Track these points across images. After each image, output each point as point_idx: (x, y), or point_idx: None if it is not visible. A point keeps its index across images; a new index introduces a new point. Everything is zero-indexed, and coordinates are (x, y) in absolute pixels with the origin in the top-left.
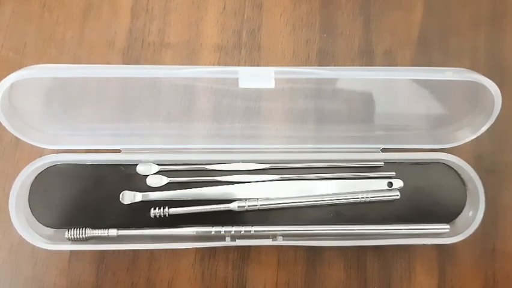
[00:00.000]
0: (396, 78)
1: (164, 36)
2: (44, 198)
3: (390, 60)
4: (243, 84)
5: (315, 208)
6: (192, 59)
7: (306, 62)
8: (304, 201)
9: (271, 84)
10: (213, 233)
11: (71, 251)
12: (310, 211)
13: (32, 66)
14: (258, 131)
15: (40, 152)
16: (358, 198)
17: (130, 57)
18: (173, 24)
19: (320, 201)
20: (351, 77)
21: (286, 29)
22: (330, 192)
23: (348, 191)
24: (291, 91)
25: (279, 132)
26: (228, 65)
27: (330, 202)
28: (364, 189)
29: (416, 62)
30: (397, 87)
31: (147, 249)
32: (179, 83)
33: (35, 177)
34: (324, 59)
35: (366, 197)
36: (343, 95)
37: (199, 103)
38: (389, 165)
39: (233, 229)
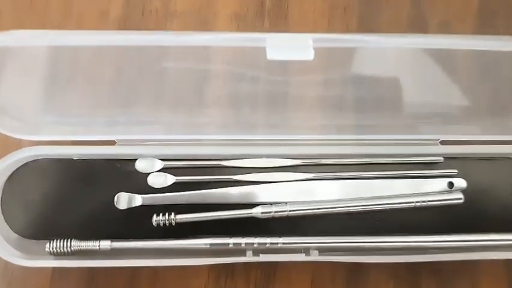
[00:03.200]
0: (463, 48)
1: (170, 3)
2: (20, 202)
3: (447, 33)
4: (272, 55)
5: (358, 215)
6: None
7: None
8: (344, 207)
9: (309, 55)
10: (230, 245)
11: (53, 268)
12: (352, 219)
13: (5, 32)
14: (286, 119)
15: (17, 144)
16: (411, 203)
17: (127, 29)
18: None
19: (363, 206)
20: (411, 45)
21: None
22: (375, 195)
23: (399, 193)
24: (329, 68)
25: (313, 121)
26: None
27: (376, 208)
28: (419, 192)
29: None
30: (459, 62)
31: (149, 266)
32: (189, 56)
33: (10, 176)
34: (365, 30)
35: (422, 202)
36: (391, 74)
37: (214, 83)
38: (450, 161)
39: (256, 241)
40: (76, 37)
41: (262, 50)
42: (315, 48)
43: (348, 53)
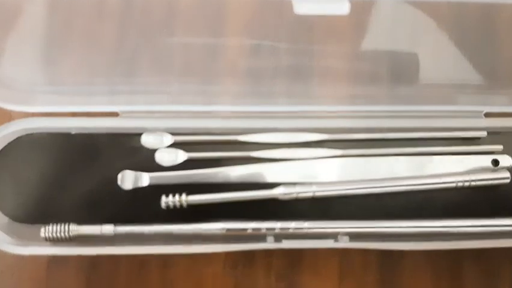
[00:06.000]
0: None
1: None
2: (11, 181)
3: None
4: (299, 8)
5: (392, 196)
6: None
7: None
8: (376, 187)
9: (344, 9)
10: (249, 230)
11: (50, 257)
12: (385, 201)
13: None
14: (310, 88)
15: (7, 116)
16: (452, 182)
17: None
18: None
19: (397, 187)
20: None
21: None
22: (411, 175)
23: (437, 172)
24: (363, 29)
25: (341, 90)
26: None
27: (412, 188)
28: (459, 170)
29: None
30: (504, 23)
31: (157, 254)
32: (202, 14)
33: (0, 151)
34: None
35: (464, 181)
36: (430, 38)
37: (230, 46)
38: (494, 136)
39: (278, 225)
40: None
41: (288, 4)
42: (351, 1)
43: (385, 13)
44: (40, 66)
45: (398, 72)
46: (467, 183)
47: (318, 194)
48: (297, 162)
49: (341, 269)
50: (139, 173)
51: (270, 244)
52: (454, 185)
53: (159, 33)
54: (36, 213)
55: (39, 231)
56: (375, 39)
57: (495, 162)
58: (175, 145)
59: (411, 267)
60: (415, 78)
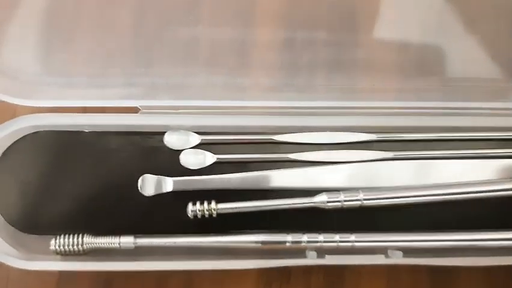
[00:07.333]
0: None
1: None
2: (17, 187)
3: None
4: None
5: (451, 205)
6: None
7: None
8: (432, 195)
9: None
10: (288, 244)
11: (60, 272)
12: (443, 211)
13: None
14: (354, 80)
15: (11, 112)
16: None
17: None
18: None
19: (455, 194)
20: None
21: None
22: (469, 180)
23: (499, 177)
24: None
25: (389, 83)
26: None
27: (472, 196)
28: None
29: None
30: None
31: (182, 270)
32: None
33: (3, 153)
34: None
35: None
36: (484, 23)
37: (262, 34)
38: None
39: (321, 238)
40: None
41: None
42: None
43: None
44: (48, 54)
45: (453, 64)
46: None
47: (366, 202)
48: (341, 165)
49: (387, 287)
50: (161, 177)
51: (312, 260)
52: None
53: (183, 17)
54: (45, 222)
55: (48, 243)
56: (424, 24)
57: None
58: (202, 146)
59: (467, 284)
60: (471, 71)
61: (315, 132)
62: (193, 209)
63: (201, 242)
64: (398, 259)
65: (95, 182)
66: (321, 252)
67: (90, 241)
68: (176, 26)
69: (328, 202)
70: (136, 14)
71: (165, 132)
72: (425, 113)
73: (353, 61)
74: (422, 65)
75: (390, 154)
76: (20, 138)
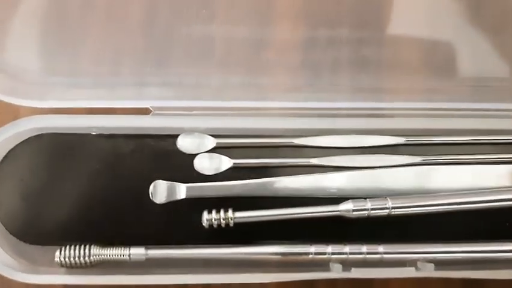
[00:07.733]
0: None
1: None
2: (19, 194)
3: None
4: None
5: (485, 214)
6: None
7: None
8: (466, 202)
9: None
10: (311, 255)
11: (66, 286)
12: (478, 219)
13: None
14: (380, 80)
15: (14, 113)
16: None
17: None
18: None
19: (491, 202)
20: None
21: None
22: (507, 186)
23: None
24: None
25: (417, 83)
26: None
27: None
28: None
29: None
30: None
31: (197, 284)
32: None
33: (5, 156)
34: None
35: None
36: None
37: (280, 31)
38: None
39: (347, 249)
40: None
41: None
42: None
43: None
44: (52, 53)
45: (484, 64)
46: None
47: (394, 211)
48: (366, 171)
49: None
50: (174, 183)
51: (336, 273)
52: None
53: (197, 14)
54: (49, 232)
55: (52, 254)
56: (455, 21)
57: None
58: (217, 149)
59: None
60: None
61: (339, 136)
62: (208, 217)
63: (217, 254)
64: (429, 272)
65: (103, 189)
66: (347, 264)
67: (98, 252)
68: (190, 22)
69: (354, 211)
70: (148, 10)
71: (178, 135)
72: (457, 115)
73: (378, 60)
74: (450, 63)
75: (418, 159)
76: (23, 141)
